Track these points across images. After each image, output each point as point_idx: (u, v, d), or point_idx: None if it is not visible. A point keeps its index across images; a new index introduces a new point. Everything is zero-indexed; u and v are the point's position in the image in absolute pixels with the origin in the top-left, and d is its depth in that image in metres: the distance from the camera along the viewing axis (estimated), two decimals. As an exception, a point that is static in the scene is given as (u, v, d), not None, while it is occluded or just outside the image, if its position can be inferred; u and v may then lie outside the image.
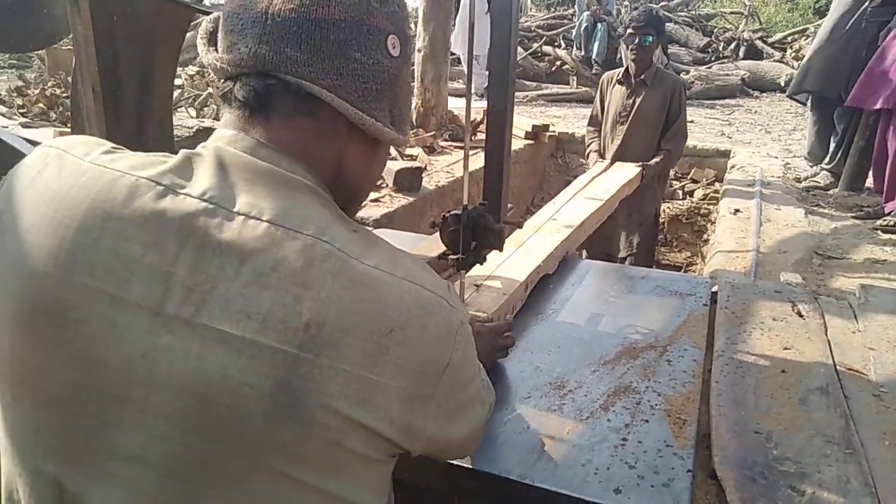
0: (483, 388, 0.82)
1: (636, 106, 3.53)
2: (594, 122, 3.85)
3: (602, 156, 3.71)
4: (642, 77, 3.49)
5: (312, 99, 0.64)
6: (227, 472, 0.57)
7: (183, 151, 0.65)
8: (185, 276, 0.57)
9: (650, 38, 3.40)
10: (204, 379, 0.55)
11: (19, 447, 0.62)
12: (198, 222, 0.58)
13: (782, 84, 8.82)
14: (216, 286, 0.56)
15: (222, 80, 0.67)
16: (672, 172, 5.27)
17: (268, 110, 0.65)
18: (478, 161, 1.81)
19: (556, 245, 1.95)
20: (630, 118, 3.55)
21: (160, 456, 0.57)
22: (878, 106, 3.55)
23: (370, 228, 2.75)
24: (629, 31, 3.48)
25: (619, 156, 3.58)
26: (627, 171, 3.32)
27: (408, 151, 4.49)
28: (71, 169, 0.62)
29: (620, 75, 3.63)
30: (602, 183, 3.09)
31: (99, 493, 0.58)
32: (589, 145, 3.85)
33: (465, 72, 1.35)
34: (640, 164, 3.41)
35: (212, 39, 0.70)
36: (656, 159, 3.49)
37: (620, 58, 8.60)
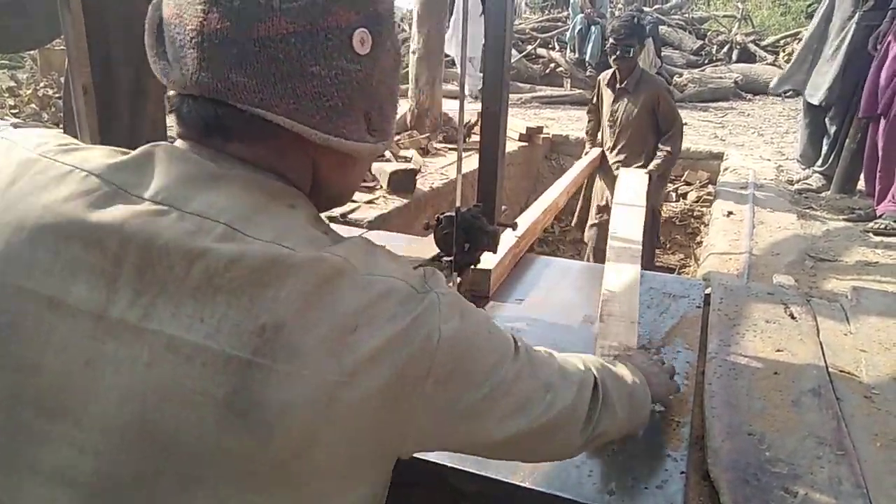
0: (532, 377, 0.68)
1: (620, 112, 3.64)
2: (591, 112, 4.03)
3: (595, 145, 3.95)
4: (625, 84, 3.57)
5: (271, 124, 0.57)
6: (164, 490, 0.52)
7: (144, 148, 0.59)
8: (132, 277, 0.52)
9: (632, 49, 3.47)
10: (152, 388, 0.51)
11: None
12: (143, 222, 0.53)
13: (774, 87, 8.88)
14: (165, 288, 0.52)
15: (171, 93, 0.61)
16: (666, 174, 5.31)
17: (224, 132, 0.59)
18: (472, 163, 1.80)
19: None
20: (617, 123, 3.67)
21: (89, 473, 0.52)
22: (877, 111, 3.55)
23: (365, 230, 2.73)
24: (611, 41, 3.52)
25: (612, 158, 3.66)
26: (642, 178, 3.39)
27: (402, 153, 4.48)
28: (17, 160, 0.58)
29: (608, 79, 3.71)
30: (627, 191, 3.18)
31: None
32: (586, 131, 4.08)
33: (460, 74, 1.35)
34: (646, 171, 3.49)
35: (160, 36, 0.61)
36: (657, 161, 3.54)
37: (614, 60, 8.60)
